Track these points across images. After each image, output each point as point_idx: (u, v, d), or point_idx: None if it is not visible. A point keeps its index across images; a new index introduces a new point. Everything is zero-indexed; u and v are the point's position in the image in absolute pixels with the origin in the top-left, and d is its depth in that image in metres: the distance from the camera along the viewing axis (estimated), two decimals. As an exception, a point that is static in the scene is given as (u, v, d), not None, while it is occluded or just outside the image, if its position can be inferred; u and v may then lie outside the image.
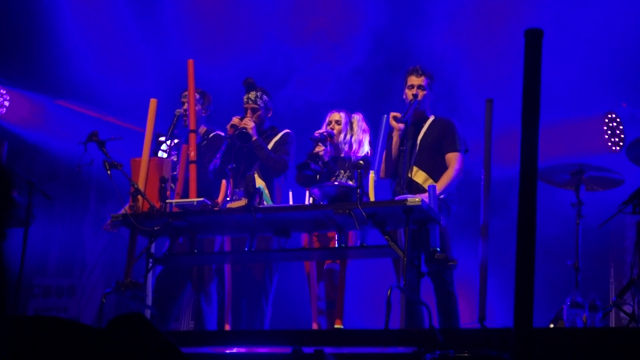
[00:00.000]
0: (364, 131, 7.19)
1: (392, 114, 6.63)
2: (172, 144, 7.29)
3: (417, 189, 6.47)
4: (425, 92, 6.78)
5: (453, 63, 9.11)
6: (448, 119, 6.83)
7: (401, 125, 6.60)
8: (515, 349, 2.29)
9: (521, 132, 2.41)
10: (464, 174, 6.66)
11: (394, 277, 6.26)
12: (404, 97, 6.84)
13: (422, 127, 6.78)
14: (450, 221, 6.56)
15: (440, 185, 6.43)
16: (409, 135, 6.62)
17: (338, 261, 6.69)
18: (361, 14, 9.79)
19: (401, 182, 6.53)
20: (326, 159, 7.05)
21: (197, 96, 7.42)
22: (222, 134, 7.43)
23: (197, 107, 7.33)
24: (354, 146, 7.11)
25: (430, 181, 6.50)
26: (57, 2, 9.77)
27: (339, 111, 7.25)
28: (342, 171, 6.98)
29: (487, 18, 9.22)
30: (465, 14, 9.33)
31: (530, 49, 2.31)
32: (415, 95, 6.72)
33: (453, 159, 6.62)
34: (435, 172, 6.58)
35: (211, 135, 7.49)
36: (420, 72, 6.78)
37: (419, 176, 6.61)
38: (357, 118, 7.23)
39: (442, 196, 6.44)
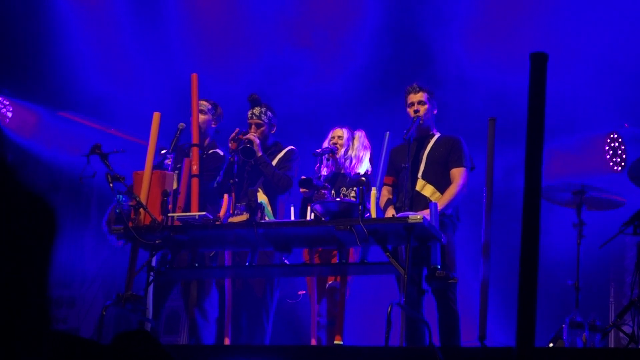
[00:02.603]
0: (365, 147, 7.19)
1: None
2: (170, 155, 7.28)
3: (424, 202, 6.43)
4: (426, 106, 6.75)
5: (458, 81, 9.14)
6: (455, 136, 6.79)
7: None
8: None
9: (525, 154, 2.42)
10: (467, 190, 6.64)
11: (397, 294, 6.26)
12: (408, 116, 6.83)
13: (427, 143, 6.74)
14: (456, 238, 6.55)
15: (444, 201, 6.43)
16: (411, 152, 6.62)
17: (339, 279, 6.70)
18: (364, 28, 9.83)
19: (403, 199, 6.53)
20: (327, 175, 7.06)
21: (209, 106, 7.45)
22: (222, 152, 7.43)
23: (207, 117, 7.38)
24: (353, 161, 7.11)
25: (437, 194, 6.49)
26: (61, 14, 9.79)
27: (341, 127, 7.26)
28: (344, 188, 6.98)
29: (491, 39, 9.25)
30: (470, 35, 9.36)
31: (536, 72, 2.32)
32: (416, 112, 6.72)
33: (457, 175, 6.60)
34: (443, 186, 6.55)
35: (210, 151, 7.45)
36: (418, 89, 6.77)
37: (426, 190, 6.58)
38: (359, 135, 7.23)
39: (448, 212, 6.44)
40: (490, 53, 9.17)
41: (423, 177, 6.62)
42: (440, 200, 6.41)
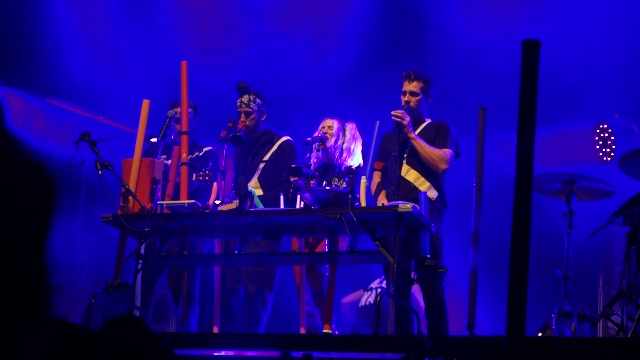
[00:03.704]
0: (355, 139, 7.17)
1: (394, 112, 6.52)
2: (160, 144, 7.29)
3: (408, 187, 6.43)
4: (419, 97, 6.66)
5: (449, 69, 9.14)
6: (444, 122, 6.75)
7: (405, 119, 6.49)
8: (507, 357, 2.30)
9: (517, 141, 2.42)
10: (448, 172, 6.58)
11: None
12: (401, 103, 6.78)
13: (416, 129, 6.67)
14: (443, 225, 6.53)
15: (427, 148, 6.42)
16: (400, 138, 6.58)
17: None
18: (355, 21, 9.82)
19: (392, 186, 6.51)
20: (318, 164, 7.06)
21: (190, 110, 7.42)
22: (211, 147, 7.47)
23: (189, 117, 7.37)
24: (344, 154, 7.09)
25: (421, 180, 6.47)
26: (48, 2, 9.75)
27: (332, 118, 7.24)
28: (336, 179, 6.97)
29: (483, 27, 9.25)
30: (463, 21, 9.36)
31: (528, 59, 2.32)
32: (407, 103, 6.66)
33: (443, 153, 6.55)
34: (427, 171, 6.52)
35: (205, 150, 7.49)
36: (412, 77, 6.65)
37: (410, 175, 6.54)
38: (349, 127, 7.21)
39: (434, 198, 6.43)
40: (486, 38, 9.18)
41: (407, 163, 6.58)
42: (426, 146, 6.41)
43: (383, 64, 9.50)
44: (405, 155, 6.57)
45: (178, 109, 7.36)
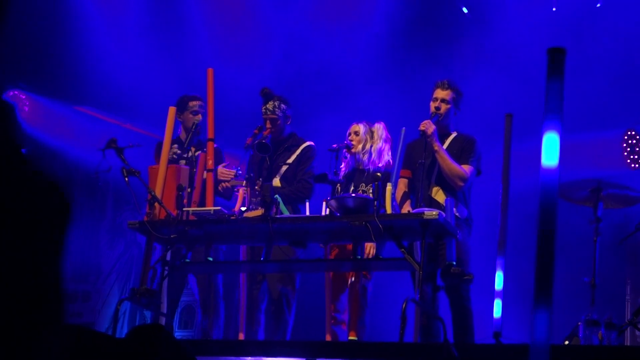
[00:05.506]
0: (384, 140, 7.14)
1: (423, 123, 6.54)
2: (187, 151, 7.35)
3: (437, 208, 6.40)
4: (449, 105, 6.67)
5: (475, 78, 9.12)
6: (471, 136, 6.75)
7: (431, 129, 6.49)
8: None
9: (542, 148, 2.40)
10: (468, 185, 6.57)
11: (412, 290, 6.23)
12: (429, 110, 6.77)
13: (443, 143, 6.68)
14: (470, 237, 6.51)
15: (449, 162, 6.40)
16: (428, 148, 6.57)
17: (366, 274, 6.70)
18: (381, 17, 9.84)
19: (419, 196, 6.49)
20: (346, 170, 7.06)
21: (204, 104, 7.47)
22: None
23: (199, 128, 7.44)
24: (374, 155, 7.07)
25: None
26: (78, 8, 9.81)
27: (358, 122, 7.23)
28: (364, 184, 6.96)
29: (507, 33, 9.24)
30: (487, 30, 9.36)
31: (553, 67, 2.31)
32: (437, 109, 6.66)
33: (463, 171, 6.54)
34: (456, 191, 6.52)
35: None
36: (447, 86, 6.68)
37: (439, 196, 6.52)
38: (377, 127, 7.19)
39: (464, 215, 6.41)
40: (507, 48, 9.16)
41: (437, 183, 6.57)
42: (448, 159, 6.39)
43: (410, 63, 9.52)
44: (434, 173, 6.56)
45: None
